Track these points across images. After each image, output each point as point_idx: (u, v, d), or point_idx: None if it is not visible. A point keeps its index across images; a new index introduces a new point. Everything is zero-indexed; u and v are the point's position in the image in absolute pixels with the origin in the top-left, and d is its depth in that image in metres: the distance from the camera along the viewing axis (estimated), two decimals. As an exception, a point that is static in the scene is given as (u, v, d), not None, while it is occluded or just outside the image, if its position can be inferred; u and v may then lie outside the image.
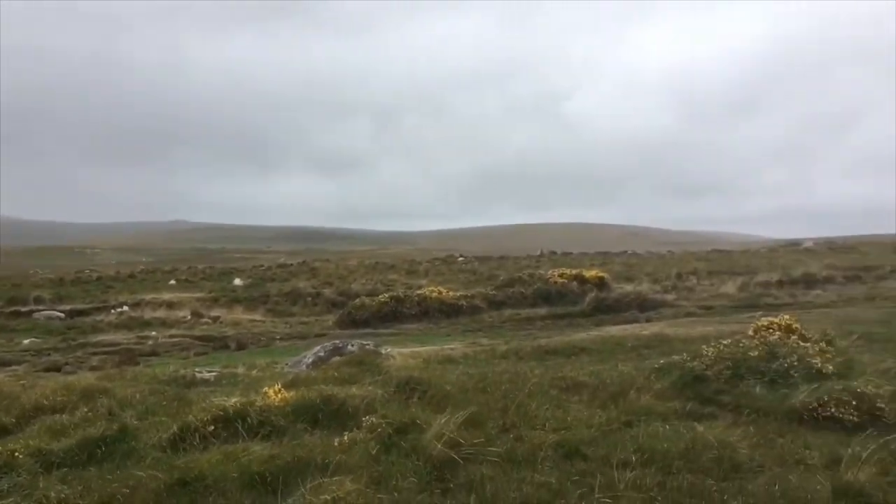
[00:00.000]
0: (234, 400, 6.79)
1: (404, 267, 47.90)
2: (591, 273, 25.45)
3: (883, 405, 7.15)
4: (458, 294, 23.70)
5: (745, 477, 5.49)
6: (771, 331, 9.17)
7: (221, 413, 6.48)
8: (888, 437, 6.43)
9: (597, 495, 5.01)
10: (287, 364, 12.08)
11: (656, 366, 9.23)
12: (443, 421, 6.10)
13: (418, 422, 6.24)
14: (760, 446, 6.25)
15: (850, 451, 5.77)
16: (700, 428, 6.53)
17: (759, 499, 4.99)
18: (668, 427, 6.82)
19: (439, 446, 5.69)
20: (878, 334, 12.34)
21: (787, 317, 9.77)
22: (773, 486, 5.24)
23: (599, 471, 5.52)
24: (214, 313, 26.72)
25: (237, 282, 40.22)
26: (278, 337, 21.18)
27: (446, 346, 15.11)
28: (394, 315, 22.01)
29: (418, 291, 23.27)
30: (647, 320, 19.29)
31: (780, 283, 26.89)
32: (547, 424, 6.95)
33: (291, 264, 55.01)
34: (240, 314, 26.89)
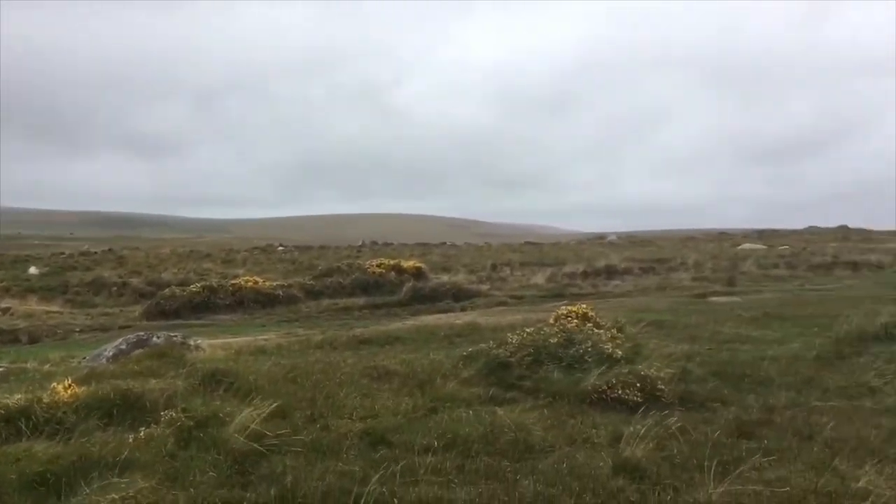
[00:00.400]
0: (17, 397, 6.28)
1: (221, 256, 46.39)
2: (409, 263, 25.83)
3: (663, 386, 7.82)
4: (276, 284, 23.28)
5: (538, 457, 5.82)
6: (569, 319, 9.75)
7: (2, 411, 5.99)
8: (666, 416, 7.07)
9: (398, 480, 5.13)
10: (85, 358, 11.36)
11: (465, 353, 9.54)
12: (247, 413, 6.00)
13: (221, 415, 6.08)
14: (554, 427, 6.66)
15: (631, 429, 6.26)
16: (500, 412, 6.84)
17: (548, 477, 5.31)
18: (471, 412, 7.09)
19: (241, 439, 5.59)
20: (666, 321, 13.43)
21: (584, 306, 10.43)
22: (562, 465, 5.60)
23: (403, 457, 5.66)
24: (4, 304, 24.56)
25: (32, 270, 37.28)
26: (77, 329, 19.82)
27: (260, 337, 14.81)
28: (206, 306, 21.24)
29: (233, 281, 22.60)
30: (462, 310, 19.87)
31: (585, 274, 28.59)
32: (355, 413, 7.01)
33: (96, 252, 51.69)
34: (34, 305, 24.88)
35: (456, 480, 5.24)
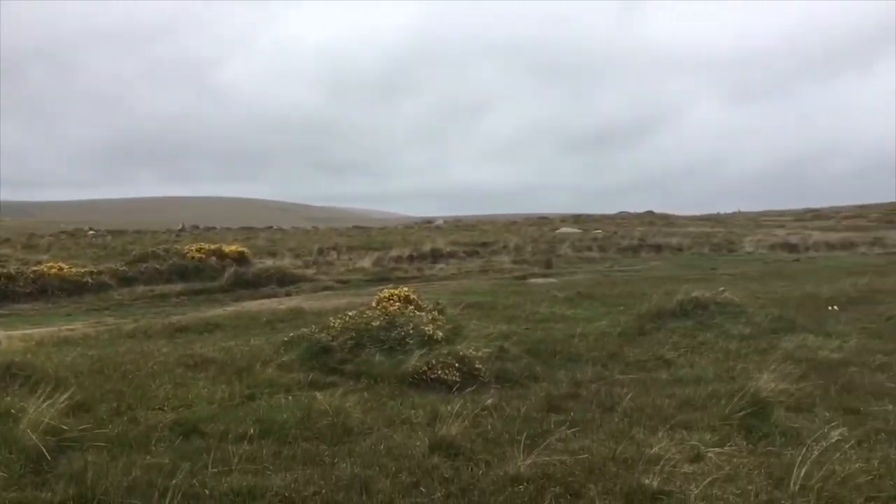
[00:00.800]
0: None
1: (21, 241, 42.68)
2: (231, 248, 24.95)
3: (481, 366, 8.07)
4: (84, 270, 21.72)
5: (356, 440, 5.84)
6: (391, 302, 9.83)
7: None
8: (482, 394, 7.31)
9: (210, 471, 4.97)
10: None
11: (286, 339, 9.39)
12: (42, 407, 5.58)
13: (13, 411, 5.63)
14: (373, 410, 6.70)
15: (448, 408, 6.42)
16: (320, 397, 6.79)
17: (365, 459, 5.34)
18: (290, 398, 7.00)
19: (35, 436, 5.19)
20: (486, 303, 13.86)
21: (406, 289, 10.56)
22: (379, 446, 5.65)
23: (216, 446, 5.49)
24: None
25: None
26: None
27: (65, 327, 13.79)
28: (4, 294, 19.49)
29: (35, 268, 20.86)
30: (287, 295, 19.49)
31: (411, 258, 28.91)
32: (167, 404, 6.72)
33: None
34: None
35: (271, 467, 5.16)
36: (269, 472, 5.06)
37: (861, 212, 71.48)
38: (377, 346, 8.82)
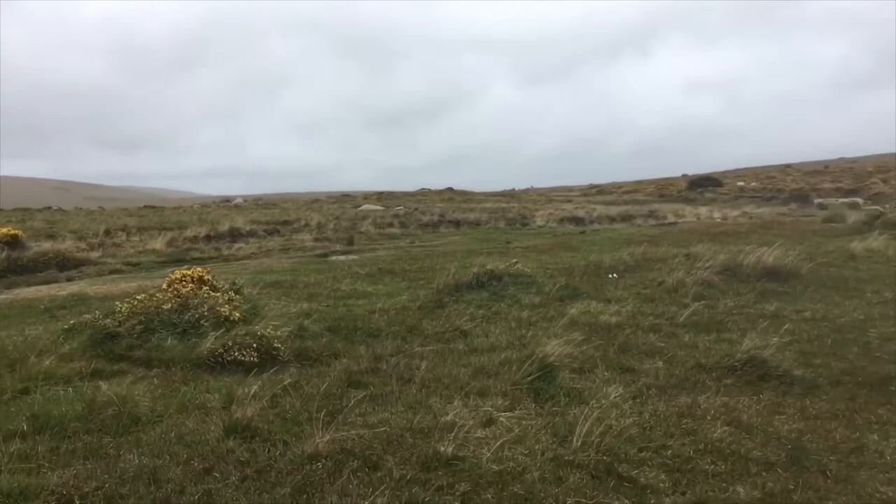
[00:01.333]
0: None
1: None
2: (1, 231, 22.71)
3: (280, 345, 7.92)
4: None
5: (144, 429, 5.54)
6: (184, 283, 9.38)
7: None
8: (281, 373, 7.19)
9: (-26, 475, 4.52)
10: None
11: (66, 327, 8.72)
12: None
13: None
14: (164, 397, 6.38)
15: (245, 390, 6.25)
16: (104, 386, 6.36)
17: (154, 447, 5.09)
18: (70, 390, 6.51)
19: None
20: (286, 281, 13.62)
21: (199, 269, 10.11)
22: (170, 433, 5.40)
23: (-17, 447, 5.00)
24: None
25: None
26: None
27: None
28: None
29: None
30: (69, 279, 18.06)
31: (209, 238, 27.78)
32: (-79, 405, 6.02)
33: None
34: None
35: (48, 465, 4.78)
36: (44, 471, 4.68)
37: (638, 187, 77.81)
38: (169, 330, 8.41)
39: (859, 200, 40.79)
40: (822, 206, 38.62)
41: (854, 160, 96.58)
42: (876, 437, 5.39)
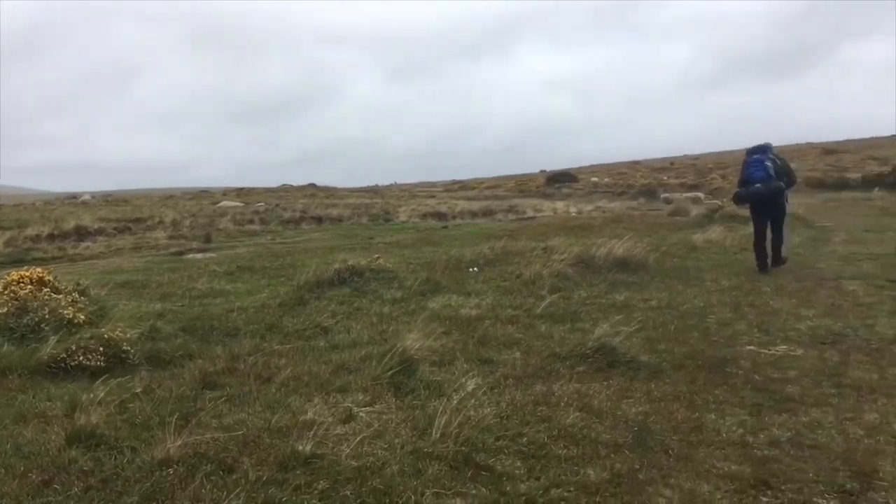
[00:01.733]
0: None
1: None
2: None
3: (129, 347, 7.54)
4: None
5: (-27, 443, 5.14)
6: (22, 285, 8.75)
7: None
8: (131, 378, 6.86)
9: None
10: None
11: None
12: None
13: None
14: (-1, 407, 5.96)
15: (90, 396, 5.91)
16: (-71, 398, 5.86)
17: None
18: None
19: None
20: (138, 281, 13.00)
21: (39, 270, 9.47)
22: (6, 445, 5.04)
23: None
24: None
25: None
26: None
27: None
28: None
29: None
30: None
31: (52, 237, 26.15)
32: None
33: None
34: None
35: None
36: None
37: (499, 183, 79.68)
38: (5, 335, 7.84)
39: (701, 195, 43.45)
40: (667, 201, 40.84)
41: (696, 157, 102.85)
42: (713, 416, 5.75)
